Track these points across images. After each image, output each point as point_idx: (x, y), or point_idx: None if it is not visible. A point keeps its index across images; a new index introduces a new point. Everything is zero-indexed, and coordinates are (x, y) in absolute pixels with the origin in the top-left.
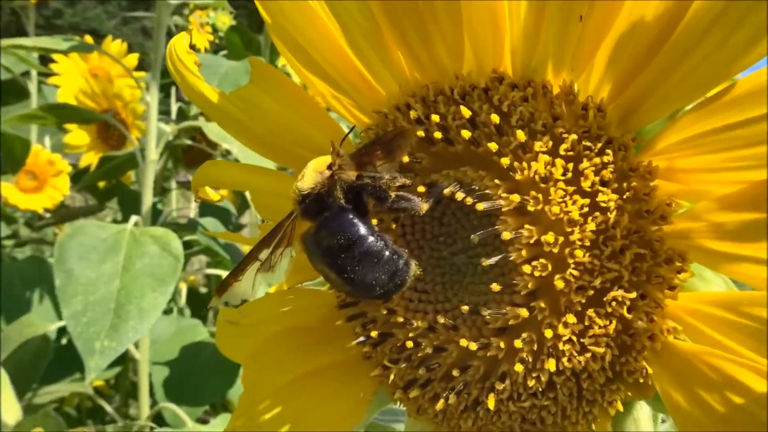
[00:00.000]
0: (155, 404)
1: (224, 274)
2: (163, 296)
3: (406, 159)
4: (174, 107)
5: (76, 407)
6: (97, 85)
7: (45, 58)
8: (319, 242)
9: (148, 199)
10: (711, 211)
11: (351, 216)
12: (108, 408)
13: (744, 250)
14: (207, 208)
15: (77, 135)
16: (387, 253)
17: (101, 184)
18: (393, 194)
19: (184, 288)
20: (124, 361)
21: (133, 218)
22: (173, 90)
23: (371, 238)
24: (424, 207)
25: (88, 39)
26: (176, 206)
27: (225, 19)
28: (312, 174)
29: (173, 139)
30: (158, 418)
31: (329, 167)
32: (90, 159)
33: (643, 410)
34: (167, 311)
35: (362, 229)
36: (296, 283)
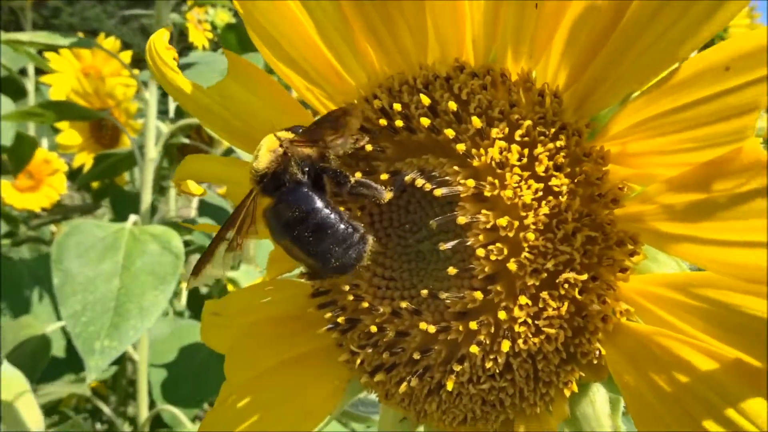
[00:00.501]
0: (153, 404)
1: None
2: (164, 294)
3: (369, 147)
4: (172, 105)
5: (74, 408)
6: (89, 85)
7: (41, 56)
8: (277, 216)
9: (147, 198)
10: (660, 193)
11: (306, 189)
12: (106, 409)
13: (690, 230)
14: (206, 209)
15: (69, 135)
16: (342, 225)
17: (95, 184)
18: (353, 179)
19: (184, 287)
20: (122, 361)
21: (132, 217)
22: None
23: (326, 210)
24: (387, 195)
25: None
26: (175, 206)
27: (223, 16)
28: (266, 153)
29: (170, 137)
30: (156, 418)
31: (281, 145)
32: (83, 159)
33: (599, 392)
34: (164, 312)
35: (317, 202)
36: (275, 274)
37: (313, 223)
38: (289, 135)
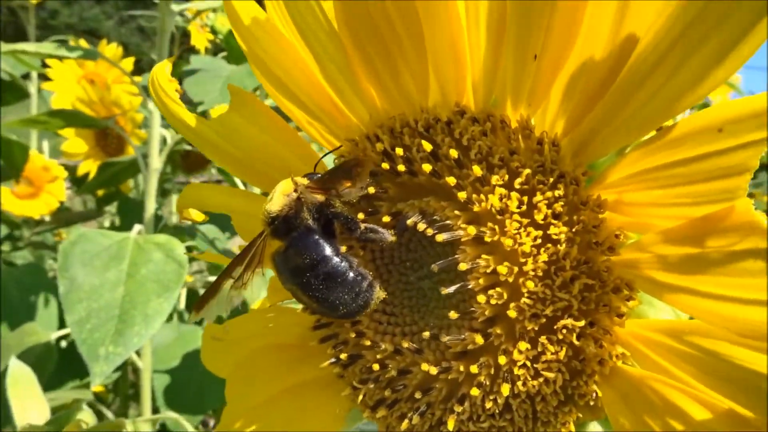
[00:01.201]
0: (156, 411)
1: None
2: (168, 302)
3: (372, 190)
4: None
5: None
6: (94, 93)
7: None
8: (286, 261)
9: (151, 207)
10: (656, 243)
11: (317, 237)
12: (109, 414)
13: (684, 281)
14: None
15: (75, 143)
16: (351, 274)
17: (99, 191)
18: (362, 225)
19: (183, 290)
20: (124, 367)
21: (137, 227)
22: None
23: (336, 259)
24: (392, 239)
25: (83, 43)
26: (176, 209)
27: (224, 21)
28: (280, 196)
29: (175, 145)
30: (159, 425)
31: (295, 190)
32: (88, 167)
33: (596, 430)
34: (168, 318)
35: (327, 250)
36: (277, 301)
37: (323, 271)
38: (305, 181)
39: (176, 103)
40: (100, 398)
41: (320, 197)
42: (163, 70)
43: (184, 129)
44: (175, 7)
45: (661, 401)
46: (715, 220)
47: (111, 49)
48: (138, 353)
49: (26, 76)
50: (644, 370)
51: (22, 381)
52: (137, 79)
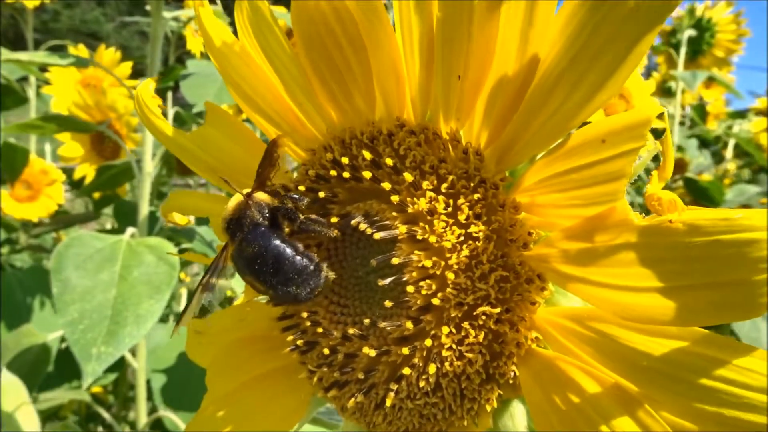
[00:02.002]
0: (154, 410)
1: (220, 281)
2: (159, 303)
3: (323, 194)
4: (171, 112)
5: (74, 412)
6: (90, 98)
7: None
8: (240, 254)
9: (144, 210)
10: (559, 240)
11: (263, 228)
12: (106, 415)
13: (580, 272)
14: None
15: (71, 147)
16: (297, 257)
17: (96, 194)
18: (301, 216)
19: (183, 292)
20: (122, 367)
21: (130, 230)
22: (169, 95)
23: (282, 244)
24: (334, 232)
25: (83, 49)
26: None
27: None
28: (232, 204)
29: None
30: (158, 424)
31: (244, 196)
32: (84, 171)
33: (518, 408)
34: (164, 319)
35: (273, 237)
36: (252, 297)
37: (272, 256)
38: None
39: (159, 118)
40: (98, 399)
41: (265, 197)
42: (146, 88)
43: (167, 141)
44: (167, 14)
45: (565, 378)
46: (602, 218)
47: (109, 54)
48: (133, 353)
49: (25, 80)
50: (554, 351)
51: (12, 392)
52: (133, 83)
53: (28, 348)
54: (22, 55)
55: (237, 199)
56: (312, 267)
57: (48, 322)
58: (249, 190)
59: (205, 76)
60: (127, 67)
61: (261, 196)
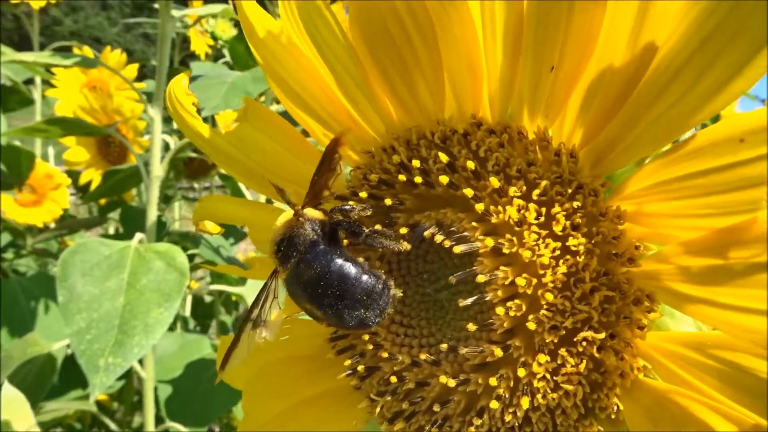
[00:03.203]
0: (160, 421)
1: (226, 288)
2: (168, 311)
3: (389, 201)
4: None
5: (79, 419)
6: (96, 101)
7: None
8: (298, 278)
9: (152, 215)
10: (677, 255)
11: (322, 246)
12: (112, 425)
13: (706, 293)
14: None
15: (77, 151)
16: (364, 276)
17: (102, 200)
18: (366, 229)
19: (188, 297)
20: (129, 375)
21: (138, 235)
22: None
23: (345, 262)
24: (404, 246)
25: (88, 51)
26: (180, 214)
27: (225, 27)
28: (281, 225)
29: (177, 152)
30: None
31: (294, 213)
32: (90, 175)
33: None
34: (171, 327)
35: (335, 255)
36: (293, 312)
37: (336, 277)
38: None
39: (193, 117)
40: (103, 407)
41: (319, 215)
42: (179, 83)
43: (200, 141)
44: (176, 13)
45: (684, 415)
46: (738, 231)
47: (115, 56)
48: (141, 363)
49: (30, 82)
50: (666, 383)
51: (14, 406)
52: (141, 86)
53: (32, 358)
54: (27, 56)
55: (286, 216)
56: (380, 286)
57: (53, 330)
58: (298, 203)
59: (212, 78)
60: (133, 69)
61: (312, 213)
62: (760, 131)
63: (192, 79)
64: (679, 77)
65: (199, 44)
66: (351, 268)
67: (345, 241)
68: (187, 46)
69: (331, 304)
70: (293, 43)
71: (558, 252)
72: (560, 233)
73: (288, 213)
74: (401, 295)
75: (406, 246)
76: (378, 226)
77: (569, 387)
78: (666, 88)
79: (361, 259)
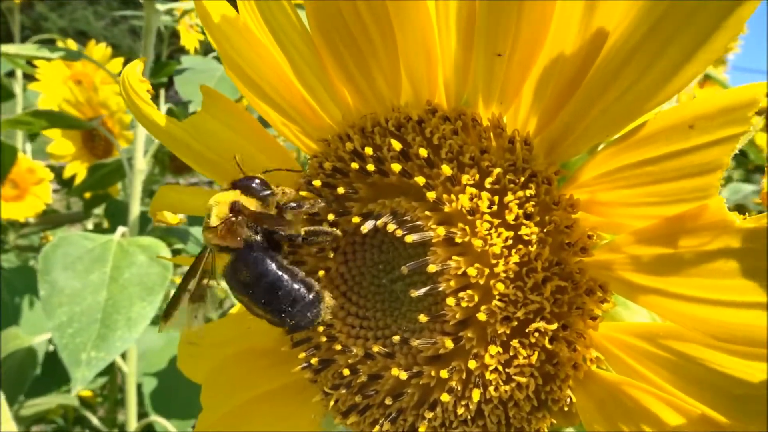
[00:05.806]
0: (145, 415)
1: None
2: (151, 305)
3: (342, 190)
4: (163, 108)
5: (62, 416)
6: (81, 94)
7: (30, 63)
8: (234, 275)
9: (135, 209)
10: (628, 244)
11: (257, 252)
12: (94, 420)
13: (657, 283)
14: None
15: (61, 144)
16: (295, 285)
17: (87, 194)
18: (303, 231)
19: (172, 292)
20: (112, 371)
21: (120, 229)
22: (162, 92)
23: (277, 272)
24: (336, 233)
25: (72, 44)
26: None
27: None
28: (217, 215)
29: (161, 146)
30: (148, 429)
31: (231, 209)
32: (75, 168)
33: None
34: (155, 321)
35: (268, 264)
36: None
37: (266, 283)
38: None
39: (148, 104)
40: (86, 403)
41: (254, 204)
42: (134, 70)
43: (156, 129)
44: (161, 6)
45: (636, 407)
46: (688, 219)
47: (100, 50)
48: (123, 357)
49: (11, 75)
50: (619, 374)
51: None
52: None
53: (13, 352)
54: (9, 48)
55: (222, 208)
56: (311, 296)
57: (37, 324)
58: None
59: (201, 72)
60: (118, 63)
61: (249, 204)
62: (710, 117)
63: (181, 71)
64: (630, 62)
65: (189, 39)
66: (282, 279)
67: (286, 245)
68: (177, 40)
69: (263, 305)
70: (249, 30)
71: (510, 241)
72: (513, 222)
73: (224, 200)
74: (335, 303)
75: (338, 233)
76: (331, 216)
77: (522, 379)
78: (617, 74)
79: (297, 270)
